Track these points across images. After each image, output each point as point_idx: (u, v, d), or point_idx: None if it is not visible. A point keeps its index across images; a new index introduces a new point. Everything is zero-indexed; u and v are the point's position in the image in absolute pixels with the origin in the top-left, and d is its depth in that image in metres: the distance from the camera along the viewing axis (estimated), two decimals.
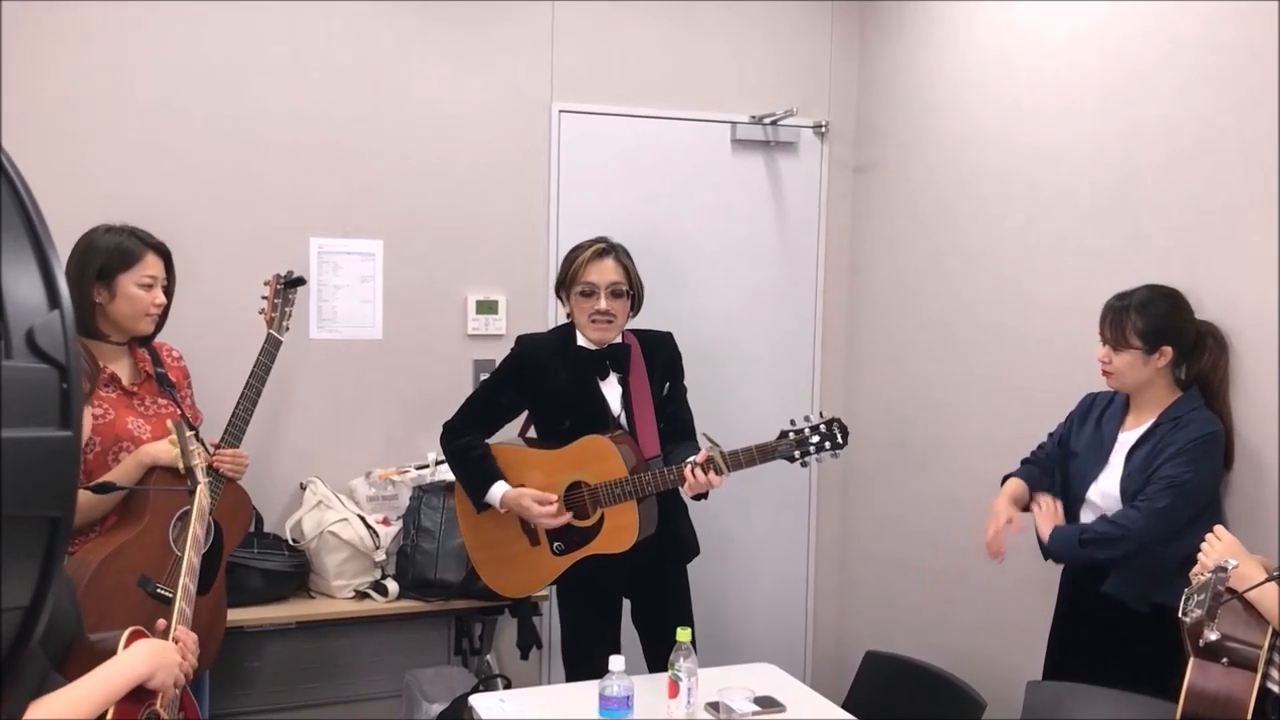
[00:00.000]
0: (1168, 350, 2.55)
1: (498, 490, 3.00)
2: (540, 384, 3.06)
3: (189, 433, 2.39)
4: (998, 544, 2.75)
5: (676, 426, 3.07)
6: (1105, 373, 2.63)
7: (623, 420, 3.03)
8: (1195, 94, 2.75)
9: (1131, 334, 2.55)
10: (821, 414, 2.83)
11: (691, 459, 2.80)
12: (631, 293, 3.04)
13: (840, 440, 2.79)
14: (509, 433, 3.25)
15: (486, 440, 3.10)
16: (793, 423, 2.83)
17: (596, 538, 2.96)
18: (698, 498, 2.96)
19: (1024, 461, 2.92)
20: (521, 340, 3.15)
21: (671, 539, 3.09)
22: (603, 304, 2.96)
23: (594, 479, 2.93)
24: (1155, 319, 2.54)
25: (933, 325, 3.76)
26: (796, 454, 2.79)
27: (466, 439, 3.07)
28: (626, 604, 3.22)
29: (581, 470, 2.95)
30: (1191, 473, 2.46)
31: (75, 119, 3.30)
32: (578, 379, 3.02)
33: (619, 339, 3.07)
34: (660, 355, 3.11)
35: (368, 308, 3.66)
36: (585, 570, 3.01)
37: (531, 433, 3.23)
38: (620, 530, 2.93)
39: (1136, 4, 2.92)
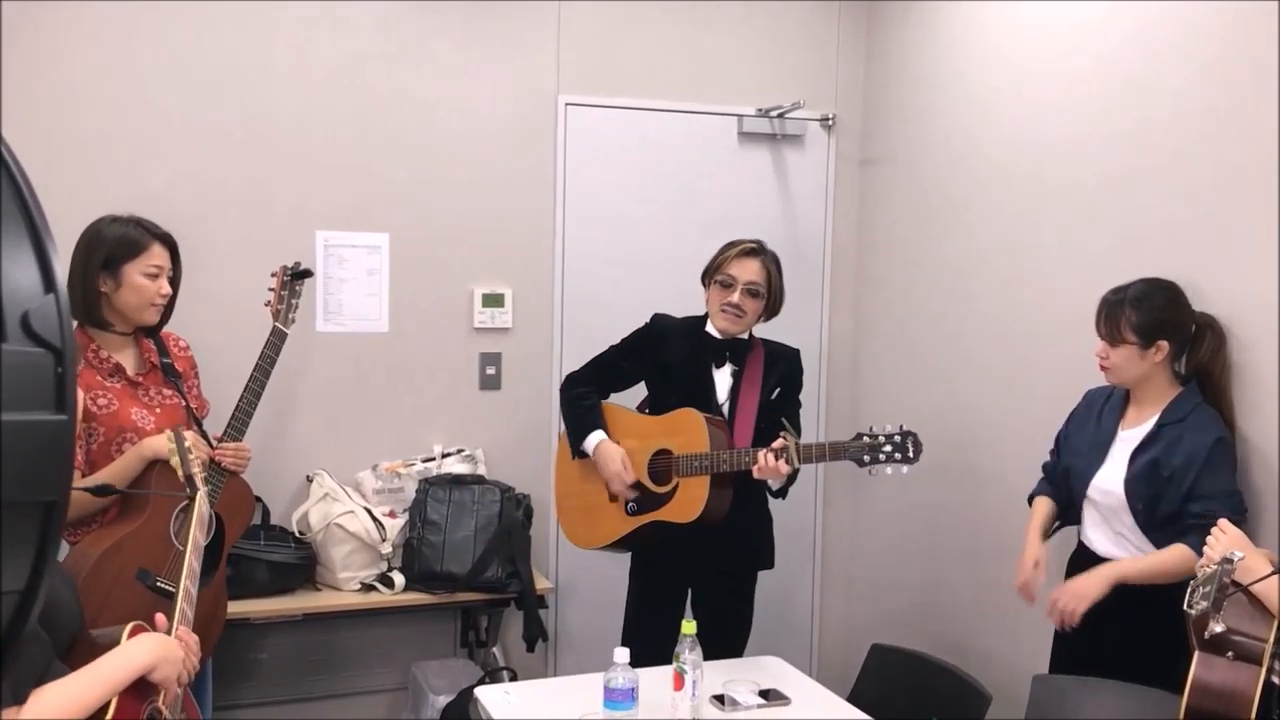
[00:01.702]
0: (1164, 344, 2.51)
1: (594, 437, 3.14)
2: (659, 358, 3.18)
3: (191, 432, 2.37)
4: (1029, 592, 2.75)
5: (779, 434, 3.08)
6: (1103, 368, 2.61)
7: (725, 409, 3.10)
8: (1200, 88, 2.73)
9: (1127, 329, 2.51)
10: (901, 426, 2.85)
11: (770, 447, 2.85)
12: (768, 298, 3.10)
13: (912, 455, 2.82)
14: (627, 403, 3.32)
15: (600, 398, 3.24)
16: (870, 428, 2.87)
17: (667, 505, 3.04)
18: (778, 494, 3.05)
19: (1045, 468, 2.90)
20: (655, 317, 3.28)
21: (749, 544, 3.14)
22: (735, 298, 3.06)
23: (678, 449, 3.03)
24: (1151, 313, 2.51)
25: (940, 319, 3.75)
26: (866, 458, 2.83)
27: (584, 389, 3.22)
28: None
29: (670, 439, 3.05)
30: (1230, 481, 2.47)
31: (83, 111, 3.31)
32: (694, 360, 3.13)
33: (746, 337, 3.14)
34: (780, 365, 3.18)
35: (374, 301, 3.67)
36: (658, 553, 3.12)
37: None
38: (689, 502, 3.00)
39: (1141, 1, 2.91)
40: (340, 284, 3.62)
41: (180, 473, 2.30)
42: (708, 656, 2.52)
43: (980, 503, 3.55)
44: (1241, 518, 2.39)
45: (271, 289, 2.96)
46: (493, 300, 3.79)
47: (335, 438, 3.64)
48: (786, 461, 2.81)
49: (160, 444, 2.52)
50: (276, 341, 2.87)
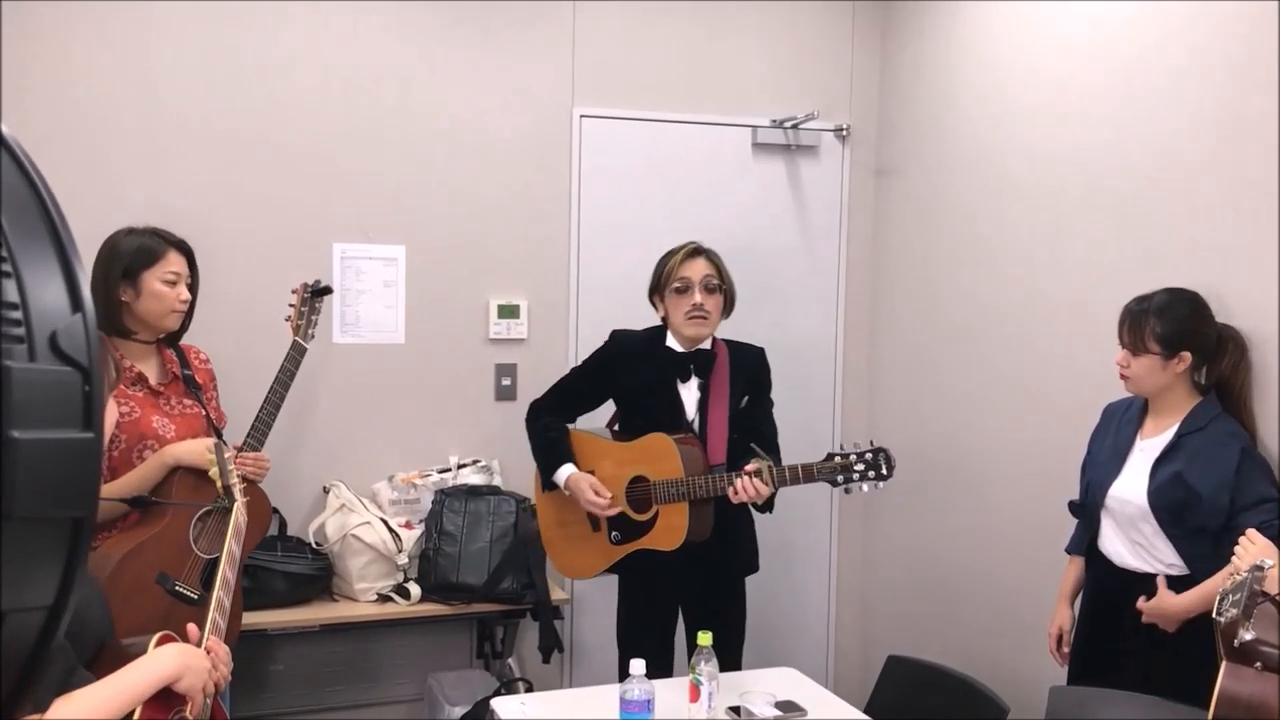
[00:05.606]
0: (1187, 355, 2.50)
1: (564, 472, 3.10)
2: (622, 379, 3.14)
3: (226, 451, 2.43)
4: (1059, 659, 2.84)
5: (754, 439, 3.06)
6: (1123, 376, 2.59)
7: (696, 424, 3.07)
8: (1221, 97, 2.72)
9: (1150, 339, 2.50)
10: (871, 442, 2.84)
11: (743, 471, 2.84)
12: (725, 289, 3.07)
13: (885, 472, 2.80)
14: (596, 421, 3.32)
15: (567, 425, 3.20)
16: (841, 447, 2.86)
17: (649, 533, 3.02)
18: (763, 509, 3.01)
19: (1071, 505, 2.85)
20: (614, 335, 3.23)
21: (732, 551, 3.12)
22: (698, 298, 3.01)
23: (654, 476, 3.00)
24: (1174, 323, 2.50)
25: (956, 329, 3.74)
26: (839, 479, 2.81)
27: (548, 420, 3.18)
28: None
29: (644, 466, 3.03)
30: (1269, 488, 2.44)
31: (103, 127, 3.34)
32: (659, 378, 3.09)
33: (709, 345, 3.10)
34: (746, 368, 3.14)
35: (390, 312, 3.68)
36: (646, 570, 3.09)
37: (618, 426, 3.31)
38: (671, 529, 2.98)
39: (1161, 4, 2.90)
40: (357, 296, 3.64)
41: (219, 484, 2.35)
42: None
43: (996, 513, 3.54)
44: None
45: (292, 305, 3.00)
46: (508, 311, 3.79)
47: (352, 449, 3.65)
48: (765, 482, 2.79)
49: (182, 450, 2.59)
50: (296, 355, 2.92)
